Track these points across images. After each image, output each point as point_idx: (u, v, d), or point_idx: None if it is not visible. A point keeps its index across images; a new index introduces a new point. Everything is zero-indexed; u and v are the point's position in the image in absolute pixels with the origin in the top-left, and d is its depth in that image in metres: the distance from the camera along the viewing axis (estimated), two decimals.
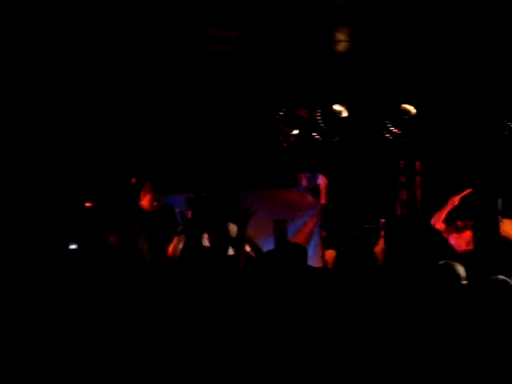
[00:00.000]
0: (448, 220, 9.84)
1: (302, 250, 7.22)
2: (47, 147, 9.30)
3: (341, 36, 7.60)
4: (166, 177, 10.61)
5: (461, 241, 9.41)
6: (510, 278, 5.40)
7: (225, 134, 10.40)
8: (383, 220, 10.88)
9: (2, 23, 6.82)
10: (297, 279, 6.23)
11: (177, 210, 10.56)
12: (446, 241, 8.39)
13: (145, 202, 9.13)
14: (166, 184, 10.59)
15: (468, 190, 8.97)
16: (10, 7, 6.44)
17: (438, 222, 9.18)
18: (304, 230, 10.88)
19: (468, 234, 9.47)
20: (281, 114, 9.70)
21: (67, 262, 5.77)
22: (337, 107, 9.17)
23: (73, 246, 7.55)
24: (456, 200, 9.16)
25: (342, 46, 7.83)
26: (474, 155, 8.97)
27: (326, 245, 10.66)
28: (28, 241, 7.49)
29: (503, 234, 9.04)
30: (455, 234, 9.55)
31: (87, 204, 9.29)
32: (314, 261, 9.91)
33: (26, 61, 7.74)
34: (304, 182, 11.25)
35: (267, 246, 10.60)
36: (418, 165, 11.00)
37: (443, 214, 9.18)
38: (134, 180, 10.27)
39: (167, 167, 10.64)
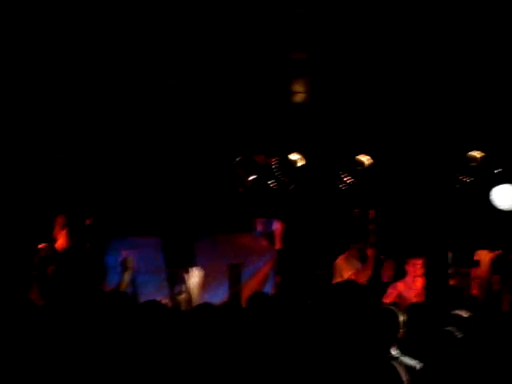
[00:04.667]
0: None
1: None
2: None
3: (298, 87, 7.74)
4: (121, 220, 10.61)
5: (411, 292, 9.53)
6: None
7: (181, 177, 10.44)
8: None
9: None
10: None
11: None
12: None
13: (61, 240, 8.80)
14: (121, 227, 10.58)
15: None
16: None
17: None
18: (258, 274, 10.92)
19: (419, 284, 9.60)
20: (238, 159, 9.77)
21: None
22: (293, 156, 9.28)
23: None
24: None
25: (299, 97, 7.97)
26: (426, 207, 9.15)
27: (280, 290, 10.73)
28: None
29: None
30: (403, 284, 9.68)
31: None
32: None
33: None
34: (259, 227, 11.30)
35: (221, 290, 10.64)
36: (372, 213, 11.14)
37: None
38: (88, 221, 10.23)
39: (123, 210, 10.63)
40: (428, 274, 9.23)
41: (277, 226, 11.19)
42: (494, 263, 9.00)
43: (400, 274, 10.09)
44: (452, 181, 8.86)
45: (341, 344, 5.83)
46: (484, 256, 9.10)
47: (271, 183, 9.30)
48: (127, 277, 8.66)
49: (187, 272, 8.57)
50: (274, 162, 9.27)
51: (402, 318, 5.72)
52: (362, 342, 5.74)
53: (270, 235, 11.15)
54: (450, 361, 5.20)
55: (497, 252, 9.09)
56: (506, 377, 5.04)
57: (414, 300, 9.23)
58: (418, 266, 9.68)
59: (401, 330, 5.63)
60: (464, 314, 6.08)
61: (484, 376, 5.08)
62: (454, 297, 7.24)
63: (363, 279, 9.66)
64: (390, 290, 9.63)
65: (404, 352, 5.71)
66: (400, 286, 9.78)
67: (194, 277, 8.22)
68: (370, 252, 9.95)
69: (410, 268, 9.86)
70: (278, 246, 11.16)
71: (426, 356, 5.59)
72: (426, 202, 9.17)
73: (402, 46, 6.11)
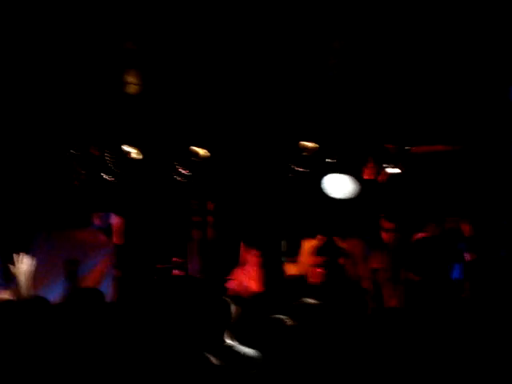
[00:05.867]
0: None
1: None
2: None
3: (132, 78, 7.68)
4: None
5: (251, 282, 9.67)
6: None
7: (15, 170, 10.16)
8: (176, 259, 11.00)
9: None
10: None
11: None
12: None
13: None
14: None
15: None
16: None
17: None
18: (96, 269, 10.75)
19: (256, 274, 9.75)
20: (73, 151, 9.59)
21: None
22: (127, 148, 9.19)
23: None
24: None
25: (133, 88, 7.91)
26: (260, 197, 9.28)
27: (119, 284, 10.63)
28: None
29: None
30: (242, 273, 9.81)
31: None
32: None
33: None
34: (97, 222, 11.14)
35: (58, 286, 10.41)
36: (210, 205, 11.20)
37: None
38: None
39: None
40: (263, 264, 9.37)
41: (114, 220, 11.06)
42: (316, 250, 9.24)
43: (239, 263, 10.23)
44: (285, 171, 9.03)
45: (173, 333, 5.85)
46: (306, 244, 9.33)
47: (107, 176, 9.18)
48: None
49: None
50: (108, 154, 9.15)
51: (233, 308, 5.76)
52: (193, 331, 5.77)
53: (107, 229, 11.01)
54: (279, 348, 5.28)
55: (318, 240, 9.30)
56: (340, 363, 5.15)
57: (254, 289, 9.39)
58: (255, 256, 9.85)
59: (233, 319, 5.68)
60: (312, 301, 6.19)
61: (318, 362, 5.19)
62: (296, 285, 7.36)
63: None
64: (230, 280, 9.76)
65: (241, 341, 5.77)
66: (240, 274, 9.93)
67: (23, 266, 8.00)
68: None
69: (248, 258, 10.03)
70: (116, 240, 11.04)
71: (258, 344, 5.67)
72: (260, 193, 9.31)
73: (232, 36, 6.15)
